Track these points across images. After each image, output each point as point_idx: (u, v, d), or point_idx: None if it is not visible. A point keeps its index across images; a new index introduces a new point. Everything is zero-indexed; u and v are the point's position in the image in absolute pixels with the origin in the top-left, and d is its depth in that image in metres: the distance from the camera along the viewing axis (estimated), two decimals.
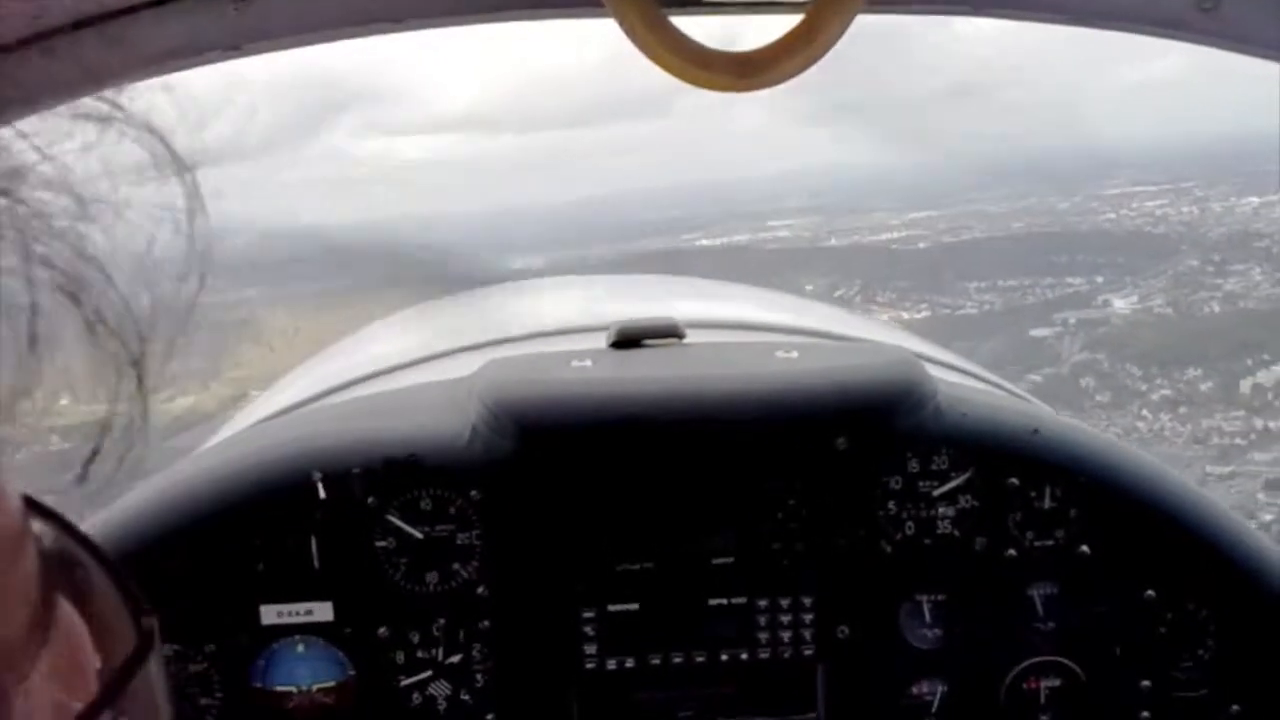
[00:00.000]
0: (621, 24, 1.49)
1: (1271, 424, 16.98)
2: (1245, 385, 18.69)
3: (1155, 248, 31.14)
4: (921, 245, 36.28)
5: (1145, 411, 18.63)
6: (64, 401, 0.43)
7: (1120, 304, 26.76)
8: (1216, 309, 23.47)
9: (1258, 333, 20.57)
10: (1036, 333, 23.82)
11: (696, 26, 1.52)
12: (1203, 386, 19.22)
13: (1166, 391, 19.27)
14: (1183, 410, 18.39)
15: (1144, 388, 19.62)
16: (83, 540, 0.43)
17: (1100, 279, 28.93)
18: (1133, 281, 28.07)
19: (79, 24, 1.19)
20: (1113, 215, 36.44)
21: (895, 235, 37.40)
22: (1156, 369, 19.92)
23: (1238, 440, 16.25)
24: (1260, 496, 13.81)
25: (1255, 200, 32.95)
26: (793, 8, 1.50)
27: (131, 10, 1.38)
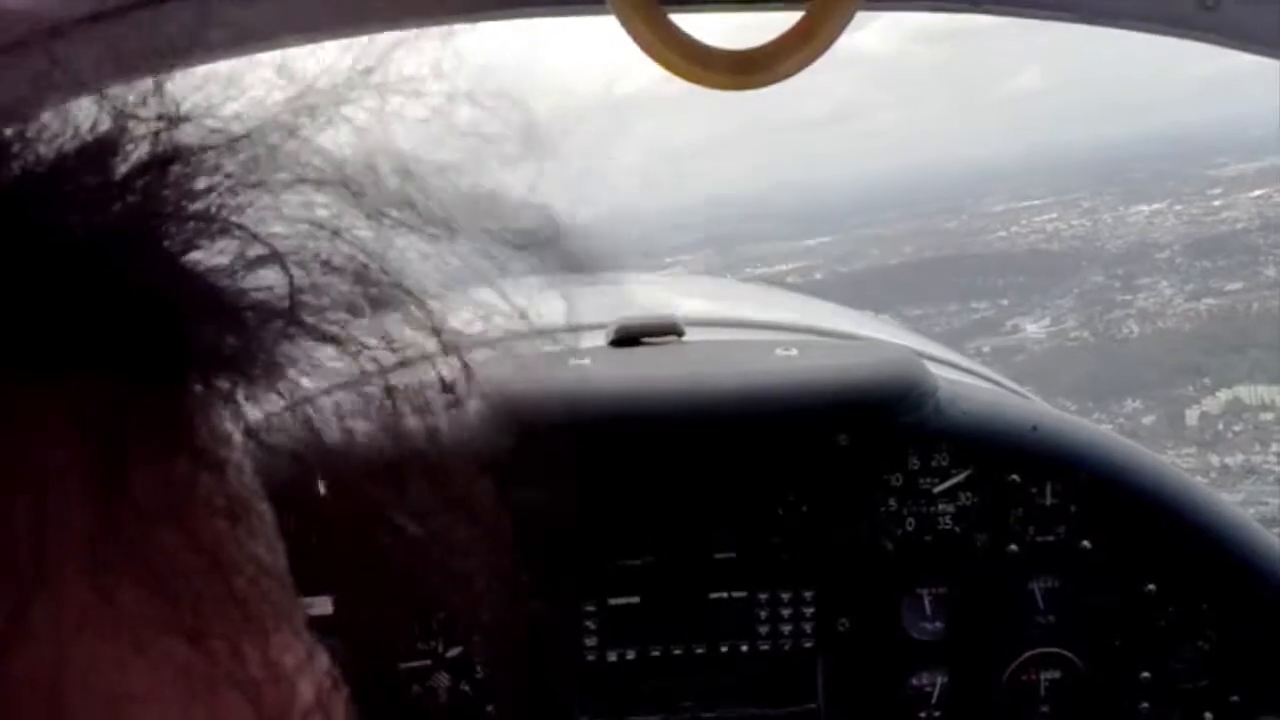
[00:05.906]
0: (621, 20, 1.53)
1: (1229, 459, 15.87)
2: (1191, 416, 17.67)
3: (1055, 265, 30.81)
4: (818, 275, 35.59)
5: None
6: None
7: (1033, 328, 26.06)
8: (1134, 329, 22.80)
9: (1191, 356, 19.78)
10: None
11: (696, 24, 1.56)
12: (1146, 420, 18.16)
13: (1107, 427, 18.12)
14: None
15: None
16: None
17: (1005, 302, 28.34)
18: (1040, 303, 27.51)
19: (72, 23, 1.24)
20: (1004, 233, 36.23)
21: (790, 266, 36.68)
22: (1092, 403, 18.80)
23: (1198, 480, 15.04)
24: None
25: (1145, 209, 32.93)
26: (793, 4, 1.53)
27: (122, 10, 1.46)
